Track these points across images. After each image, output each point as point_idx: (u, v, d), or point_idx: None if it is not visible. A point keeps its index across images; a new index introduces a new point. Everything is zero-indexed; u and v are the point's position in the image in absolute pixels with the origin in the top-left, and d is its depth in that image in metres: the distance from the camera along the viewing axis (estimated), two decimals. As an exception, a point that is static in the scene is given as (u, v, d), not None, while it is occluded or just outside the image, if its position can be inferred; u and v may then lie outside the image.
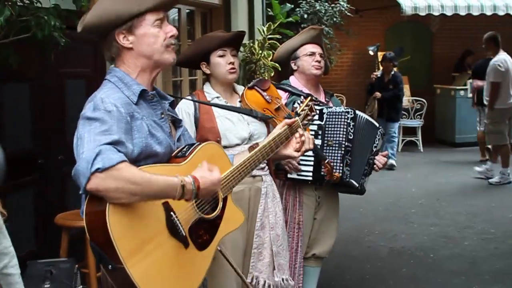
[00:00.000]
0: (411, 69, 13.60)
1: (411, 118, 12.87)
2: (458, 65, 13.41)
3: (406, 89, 12.82)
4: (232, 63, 3.65)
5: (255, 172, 3.42)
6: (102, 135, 2.13)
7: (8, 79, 4.27)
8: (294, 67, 4.31)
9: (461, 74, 13.12)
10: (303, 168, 4.01)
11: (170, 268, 2.25)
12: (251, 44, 9.67)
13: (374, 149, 4.16)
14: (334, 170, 3.92)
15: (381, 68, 11.56)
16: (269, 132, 3.74)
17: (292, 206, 4.14)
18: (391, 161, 10.72)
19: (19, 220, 4.50)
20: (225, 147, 3.49)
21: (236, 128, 3.59)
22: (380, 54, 13.24)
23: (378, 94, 10.93)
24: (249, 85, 3.71)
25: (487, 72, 9.39)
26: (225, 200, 2.58)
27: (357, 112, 4.07)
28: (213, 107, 3.61)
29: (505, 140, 9.31)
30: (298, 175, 4.04)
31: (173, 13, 7.50)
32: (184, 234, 2.32)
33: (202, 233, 2.44)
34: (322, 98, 4.30)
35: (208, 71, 3.71)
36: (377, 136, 4.17)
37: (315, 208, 4.24)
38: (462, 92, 12.70)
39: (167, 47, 2.44)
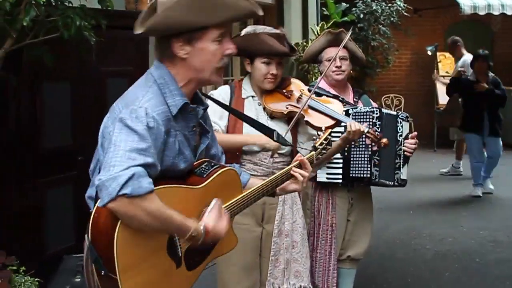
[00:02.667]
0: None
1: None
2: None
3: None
4: (274, 75, 3.55)
5: None
6: (138, 153, 2.04)
7: (49, 78, 4.38)
8: (321, 70, 4.28)
9: (523, 75, 12.73)
10: (332, 170, 4.02)
11: (158, 286, 2.23)
12: (304, 44, 9.64)
13: (400, 139, 4.02)
14: (378, 138, 3.73)
15: (455, 68, 10.94)
16: (294, 137, 3.73)
17: (325, 208, 4.14)
18: (490, 186, 9.04)
19: (59, 215, 4.62)
20: (244, 152, 3.49)
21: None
22: (439, 54, 13.00)
23: (483, 86, 8.51)
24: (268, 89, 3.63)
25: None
26: None
27: (383, 110, 4.03)
28: (246, 106, 3.58)
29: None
30: (327, 178, 4.04)
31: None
32: (180, 255, 2.29)
33: (196, 254, 2.39)
34: (350, 98, 4.24)
35: (249, 69, 3.64)
36: (399, 124, 4.02)
37: (348, 210, 4.23)
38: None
39: (219, 69, 2.33)
